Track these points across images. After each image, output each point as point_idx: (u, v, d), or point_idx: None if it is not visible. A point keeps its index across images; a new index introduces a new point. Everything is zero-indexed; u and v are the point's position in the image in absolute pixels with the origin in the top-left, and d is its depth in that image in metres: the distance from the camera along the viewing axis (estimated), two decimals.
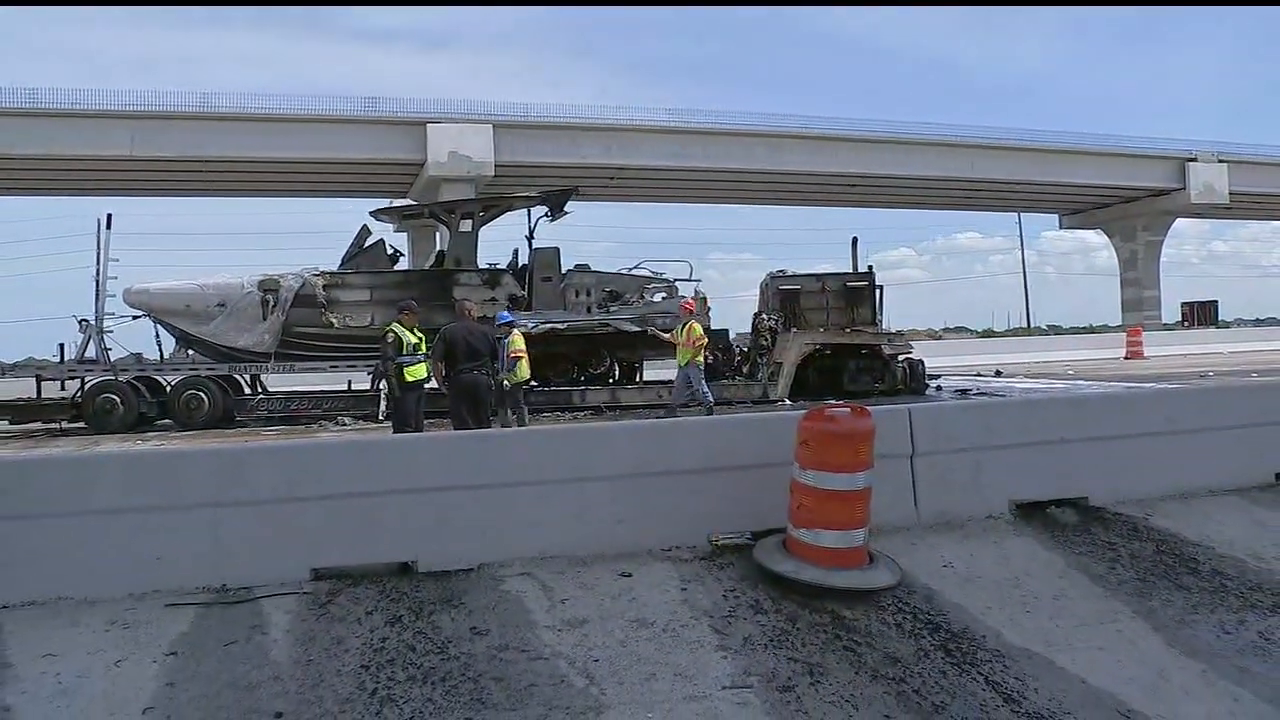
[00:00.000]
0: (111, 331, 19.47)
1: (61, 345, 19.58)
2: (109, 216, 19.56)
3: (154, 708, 4.12)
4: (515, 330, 14.38)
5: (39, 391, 18.93)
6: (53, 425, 18.60)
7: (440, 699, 4.18)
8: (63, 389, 19.06)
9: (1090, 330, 64.25)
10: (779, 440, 5.59)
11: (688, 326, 15.26)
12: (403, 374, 11.95)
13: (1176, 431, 6.98)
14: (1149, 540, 6.10)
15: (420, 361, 12.11)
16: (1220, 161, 61.17)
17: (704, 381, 15.37)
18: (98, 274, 19.28)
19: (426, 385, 12.28)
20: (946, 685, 4.42)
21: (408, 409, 12.08)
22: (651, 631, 4.81)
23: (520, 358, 13.98)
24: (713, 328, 20.57)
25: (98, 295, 19.28)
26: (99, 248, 19.30)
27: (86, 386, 18.40)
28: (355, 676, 4.35)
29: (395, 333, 12.02)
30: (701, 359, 15.61)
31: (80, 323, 19.30)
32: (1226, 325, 59.84)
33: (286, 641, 4.64)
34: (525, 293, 19.67)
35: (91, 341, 19.18)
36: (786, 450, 5.46)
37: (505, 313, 12.79)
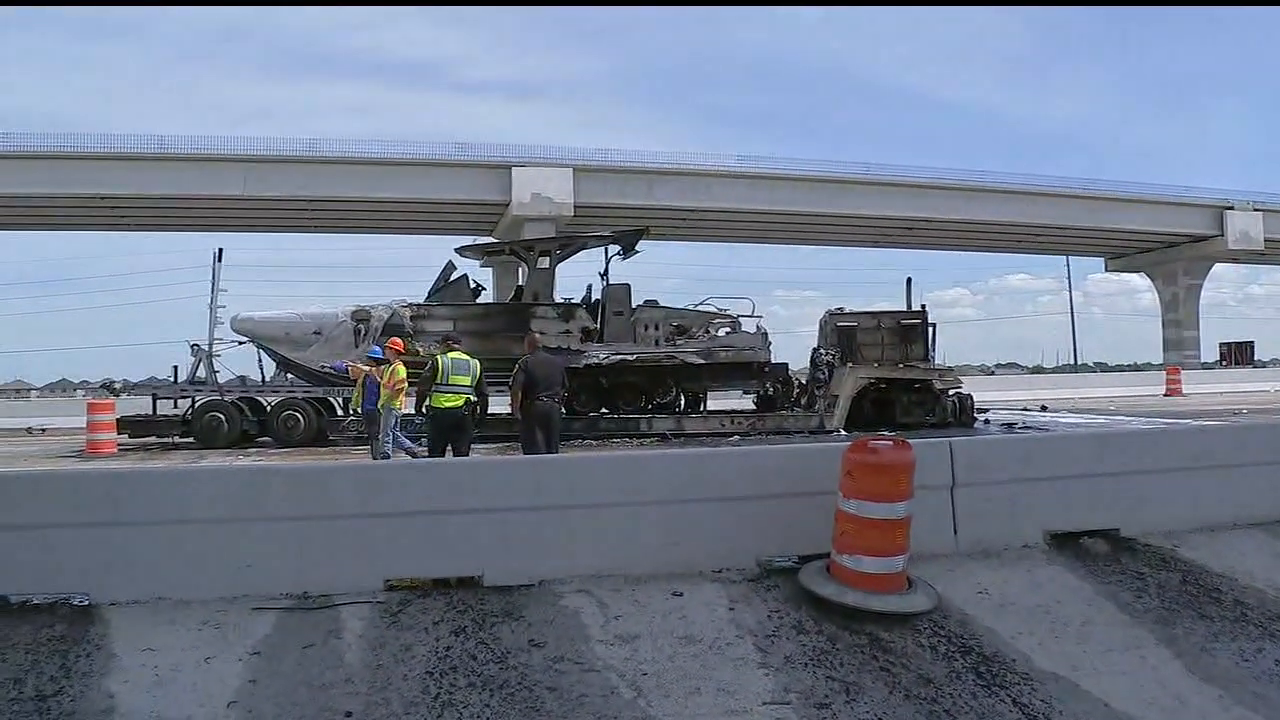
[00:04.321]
0: (220, 355, 20.01)
1: (175, 367, 20.12)
2: (220, 251, 20.14)
3: (237, 701, 4.20)
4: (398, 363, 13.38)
5: (154, 409, 19.47)
6: (165, 440, 19.06)
7: (498, 705, 4.19)
8: (175, 407, 19.53)
9: (1133, 368, 62.79)
10: (824, 470, 5.52)
11: (391, 369, 13.25)
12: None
13: (1204, 467, 6.80)
14: (1175, 570, 5.93)
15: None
16: (1256, 210, 60.14)
17: (393, 429, 13.27)
18: (210, 303, 19.80)
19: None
20: (976, 706, 4.33)
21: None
22: (698, 648, 4.77)
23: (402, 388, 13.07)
24: (773, 361, 20.55)
25: (209, 322, 19.77)
26: (212, 279, 19.85)
27: (196, 405, 18.86)
28: (420, 682, 4.37)
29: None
30: (399, 403, 13.26)
31: (192, 347, 19.83)
32: (1263, 365, 58.22)
33: (359, 646, 4.69)
34: (598, 326, 19.76)
35: (201, 364, 19.65)
36: (831, 479, 5.39)
37: (376, 349, 12.54)
